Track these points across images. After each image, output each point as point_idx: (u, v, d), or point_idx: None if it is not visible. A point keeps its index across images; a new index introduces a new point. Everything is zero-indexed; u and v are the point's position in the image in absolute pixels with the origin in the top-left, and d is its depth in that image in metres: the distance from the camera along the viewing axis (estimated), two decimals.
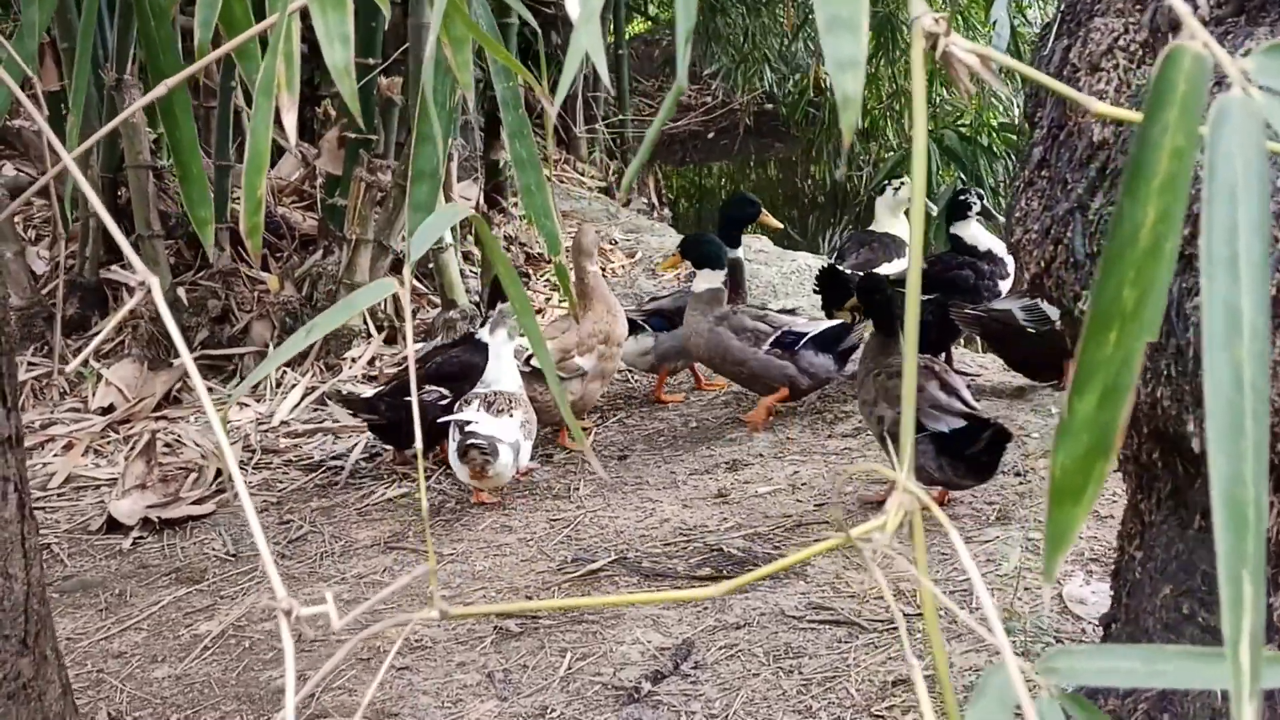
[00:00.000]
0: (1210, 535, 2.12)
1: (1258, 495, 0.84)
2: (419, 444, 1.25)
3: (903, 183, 6.38)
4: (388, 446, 5.45)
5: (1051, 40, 2.08)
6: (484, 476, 4.85)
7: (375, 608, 4.35)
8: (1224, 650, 1.08)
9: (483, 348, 5.12)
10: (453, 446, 4.86)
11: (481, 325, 5.30)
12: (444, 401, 5.12)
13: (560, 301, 6.67)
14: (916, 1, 1.10)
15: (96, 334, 6.37)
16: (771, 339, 5.39)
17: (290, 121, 1.44)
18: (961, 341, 5.78)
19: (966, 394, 4.51)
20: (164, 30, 2.34)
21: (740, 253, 5.85)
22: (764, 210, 5.95)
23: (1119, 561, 2.41)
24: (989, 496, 4.61)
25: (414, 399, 1.19)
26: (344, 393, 5.68)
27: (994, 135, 8.45)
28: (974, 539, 4.34)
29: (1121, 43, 1.86)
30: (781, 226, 6.54)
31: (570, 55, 1.02)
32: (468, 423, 4.83)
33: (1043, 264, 1.97)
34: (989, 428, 4.32)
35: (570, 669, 3.90)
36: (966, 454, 4.36)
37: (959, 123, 9.05)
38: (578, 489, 5.13)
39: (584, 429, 5.60)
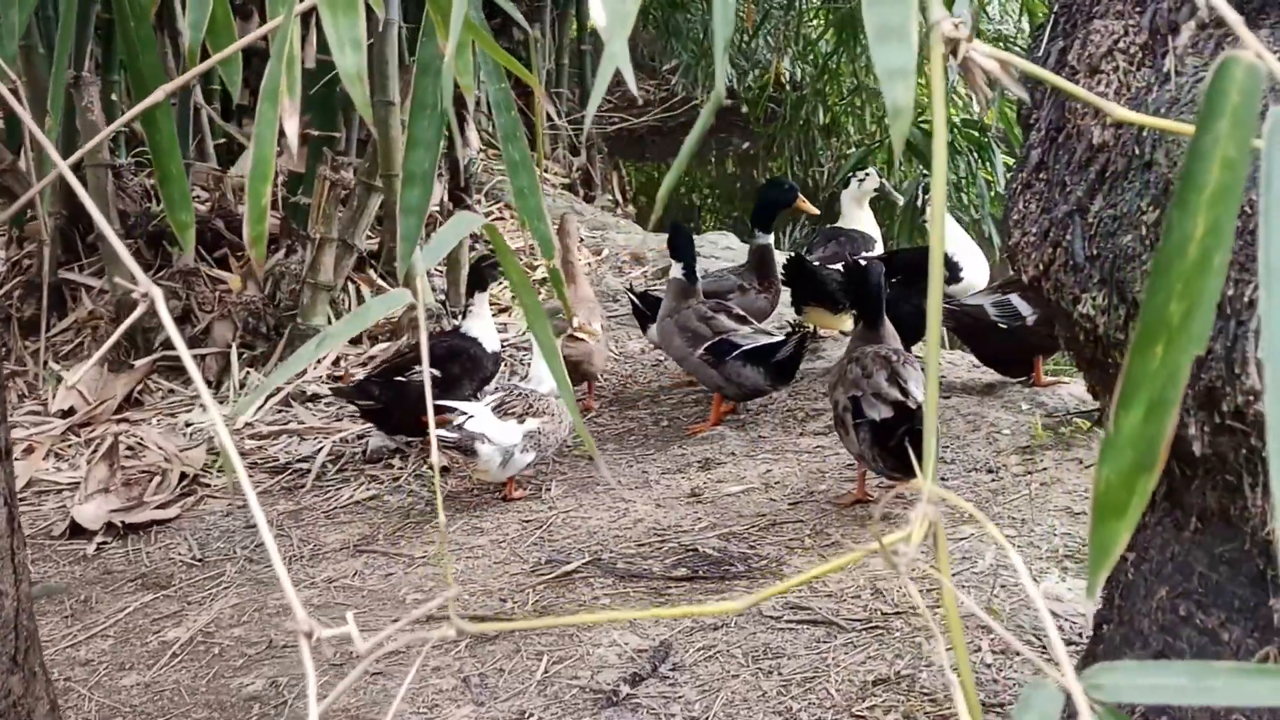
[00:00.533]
0: (1207, 538, 2.11)
1: None
2: (434, 457, 1.22)
3: (867, 174, 6.36)
4: (367, 438, 5.44)
5: (1046, 41, 2.07)
6: (477, 470, 4.90)
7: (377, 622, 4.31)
8: (1266, 667, 1.06)
9: (471, 338, 5.32)
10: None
11: (462, 316, 5.45)
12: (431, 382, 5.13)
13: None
14: (936, 6, 1.08)
15: (99, 335, 6.28)
16: (706, 344, 5.37)
17: (292, 127, 1.41)
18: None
19: (912, 385, 4.46)
20: (144, 30, 2.29)
21: (771, 239, 5.78)
22: (800, 196, 5.90)
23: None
24: (962, 494, 4.61)
25: (429, 413, 1.16)
26: (331, 386, 5.76)
27: (957, 131, 8.46)
28: (949, 537, 4.34)
29: (1121, 45, 1.85)
30: (818, 212, 6.55)
31: (603, 67, 0.99)
32: (463, 415, 4.84)
33: (1041, 267, 1.96)
34: (907, 422, 4.30)
35: (547, 673, 3.87)
36: (888, 445, 4.38)
37: (921, 120, 9.06)
38: (549, 489, 5.10)
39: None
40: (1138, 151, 1.83)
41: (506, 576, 4.47)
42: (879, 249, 5.87)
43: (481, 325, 5.38)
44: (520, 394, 4.92)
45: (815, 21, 10.47)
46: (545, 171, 8.70)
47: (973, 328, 5.20)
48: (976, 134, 8.45)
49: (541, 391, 4.96)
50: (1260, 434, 1.76)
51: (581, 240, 7.34)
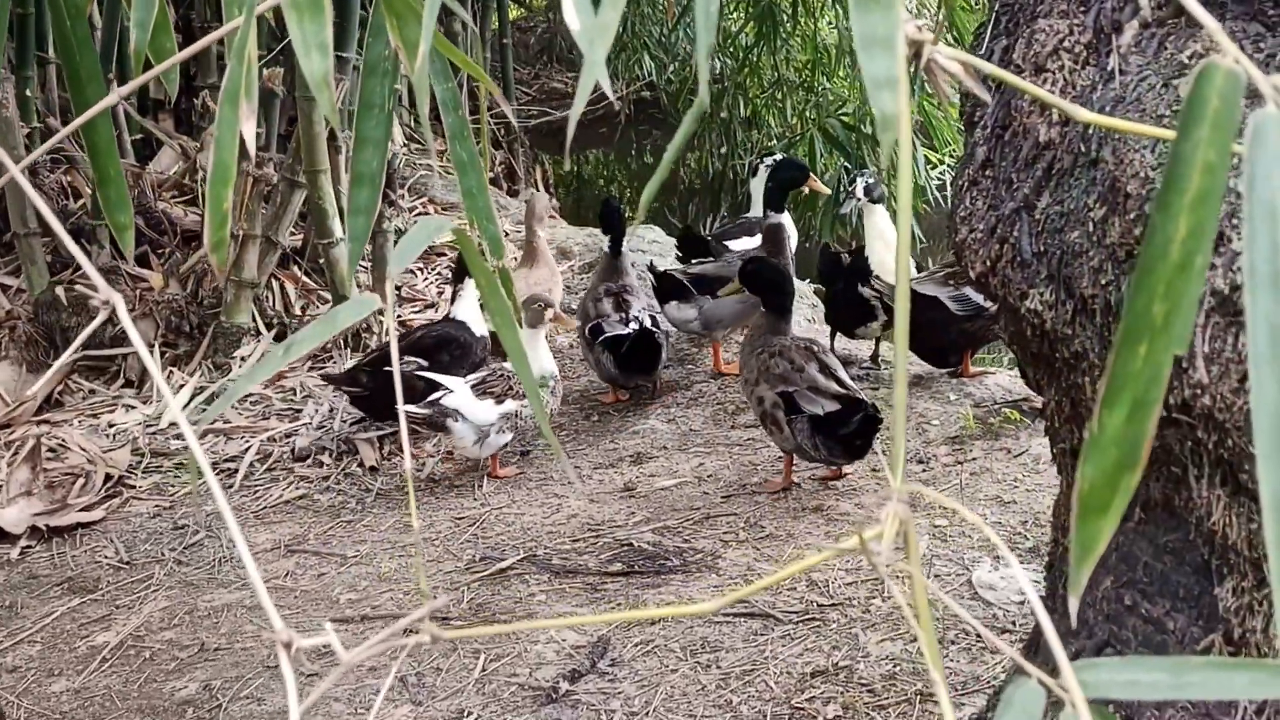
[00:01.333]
0: (1150, 528, 2.15)
1: None
2: (407, 459, 1.21)
3: (775, 160, 6.35)
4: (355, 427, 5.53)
5: (988, 40, 2.09)
6: (452, 446, 5.03)
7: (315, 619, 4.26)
8: (1243, 660, 1.08)
9: (460, 324, 5.48)
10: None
11: (451, 301, 5.66)
12: (420, 371, 5.30)
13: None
14: (899, 8, 1.09)
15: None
16: (588, 325, 5.55)
17: (250, 130, 1.39)
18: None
19: (844, 374, 4.60)
20: (80, 29, 2.25)
21: (785, 218, 5.74)
22: (812, 175, 5.89)
23: (1053, 553, 2.43)
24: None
25: (398, 398, 1.15)
26: (322, 374, 5.84)
27: (875, 123, 8.50)
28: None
29: (1066, 44, 1.87)
30: (829, 192, 6.53)
31: (584, 76, 0.99)
32: (442, 390, 4.92)
33: (988, 263, 1.98)
34: (860, 410, 4.40)
35: (485, 670, 3.86)
36: (839, 435, 4.45)
37: (840, 111, 9.13)
38: (481, 485, 5.08)
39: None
40: (1083, 149, 1.86)
41: (440, 574, 4.45)
42: (793, 239, 5.87)
43: (471, 309, 5.52)
44: (501, 374, 4.99)
45: (735, 15, 10.49)
46: None
47: (919, 319, 5.19)
48: None
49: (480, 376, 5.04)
50: (1206, 426, 1.79)
51: (505, 235, 7.30)
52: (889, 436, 4.99)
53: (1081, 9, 1.89)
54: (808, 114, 9.59)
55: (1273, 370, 0.87)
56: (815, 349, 4.68)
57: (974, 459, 4.70)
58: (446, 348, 5.42)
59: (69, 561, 4.80)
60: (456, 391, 4.91)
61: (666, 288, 5.73)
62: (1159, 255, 0.94)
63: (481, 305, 6.52)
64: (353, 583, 4.47)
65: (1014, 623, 3.79)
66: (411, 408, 4.80)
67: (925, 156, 8.67)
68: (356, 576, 4.51)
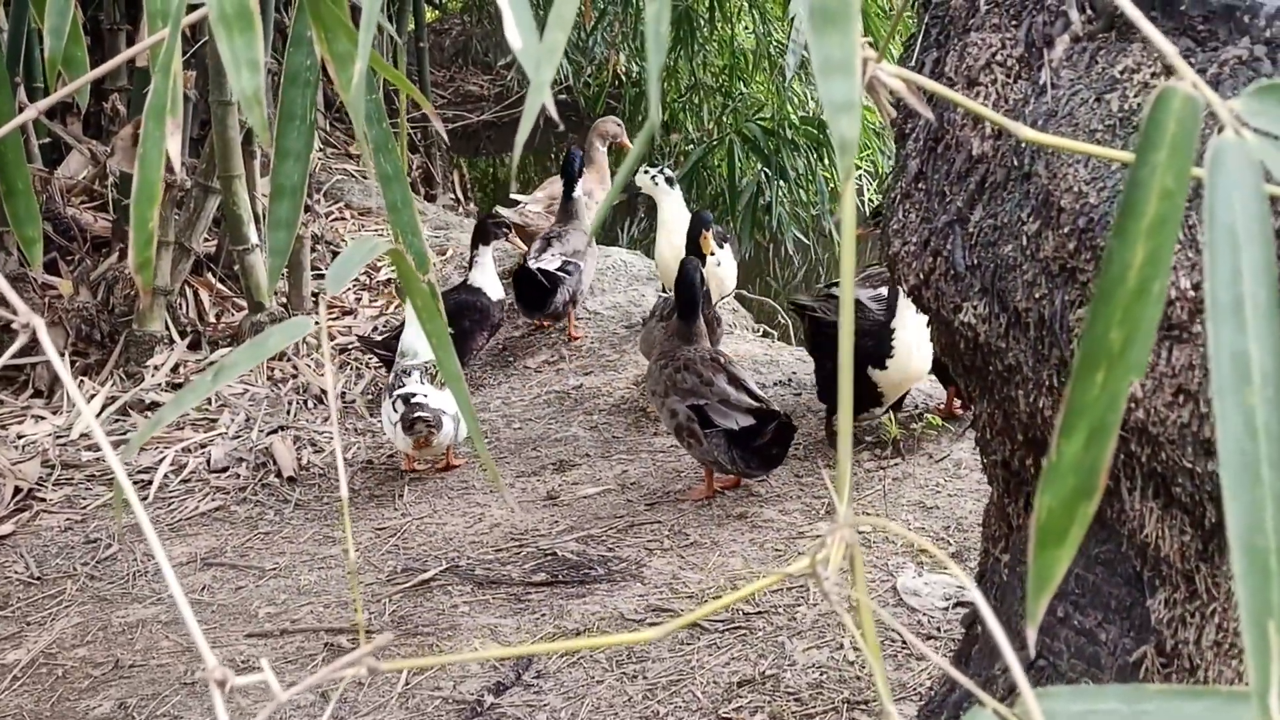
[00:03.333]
0: (1082, 540, 2.15)
1: None
2: (341, 472, 1.18)
3: (661, 172, 6.28)
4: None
5: (918, 51, 2.09)
6: (427, 446, 4.99)
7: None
8: (1197, 688, 1.08)
9: (476, 289, 5.69)
10: (394, 417, 4.93)
11: (468, 268, 5.85)
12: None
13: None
14: None
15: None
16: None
17: (175, 146, 1.35)
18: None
19: (753, 385, 4.63)
20: None
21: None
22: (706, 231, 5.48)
23: (983, 564, 2.44)
24: (816, 491, 4.67)
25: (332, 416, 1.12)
26: (361, 336, 5.95)
27: (795, 129, 8.56)
28: (805, 533, 4.38)
29: (999, 58, 1.87)
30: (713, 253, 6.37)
31: (530, 97, 0.96)
32: (412, 395, 4.91)
33: (922, 275, 1.98)
34: (773, 421, 4.42)
35: (408, 684, 3.81)
36: (754, 446, 4.46)
37: (758, 116, 9.15)
38: (402, 495, 5.02)
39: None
40: (1016, 163, 1.86)
41: (362, 587, 4.39)
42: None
43: (486, 276, 5.73)
44: (431, 367, 5.01)
45: None
46: None
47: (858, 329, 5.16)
48: (815, 131, 8.56)
49: (415, 363, 5.06)
50: (1140, 440, 1.80)
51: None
52: (798, 444, 5.00)
53: (1013, 23, 1.89)
54: (725, 118, 9.60)
55: (1236, 401, 0.86)
56: (721, 359, 4.68)
57: (896, 464, 4.72)
58: (466, 314, 5.57)
59: None
60: (426, 393, 4.94)
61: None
62: (1116, 281, 0.93)
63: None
64: (271, 596, 4.40)
65: (939, 629, 3.80)
66: (422, 412, 4.87)
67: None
68: (275, 589, 4.44)
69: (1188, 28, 1.77)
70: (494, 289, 5.76)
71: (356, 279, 6.94)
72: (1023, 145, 1.83)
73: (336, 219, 7.43)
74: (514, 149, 0.98)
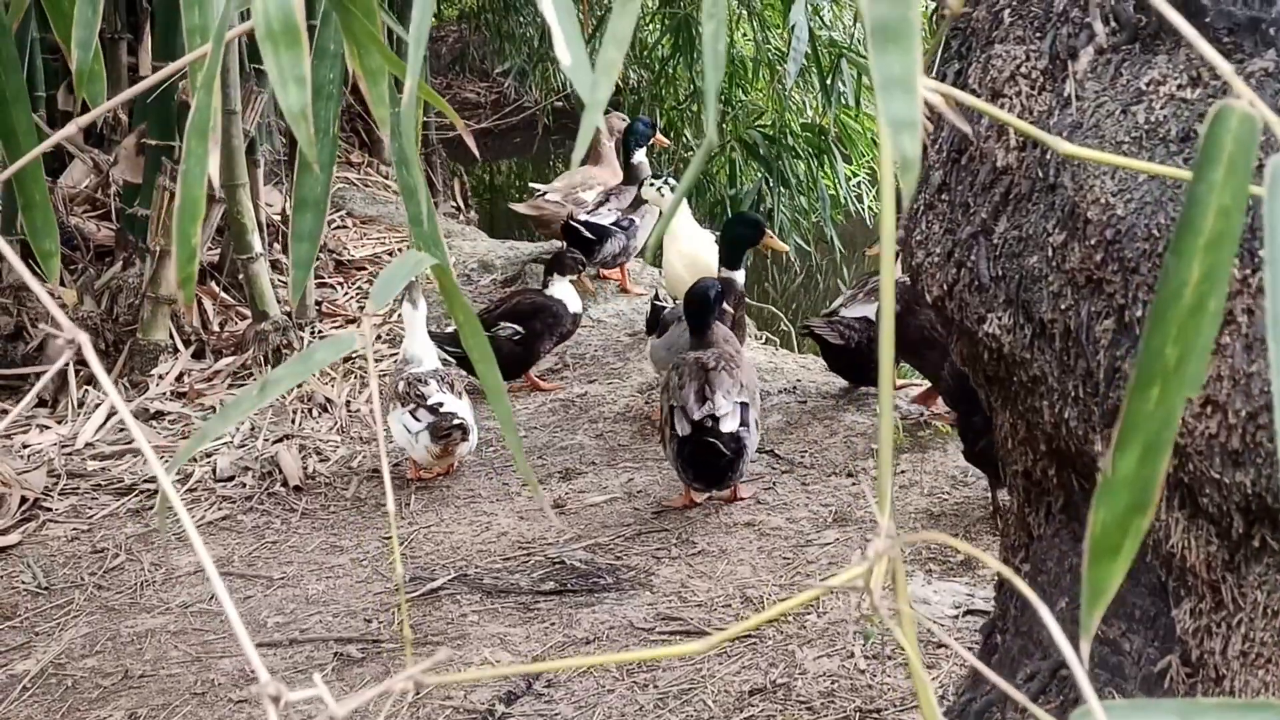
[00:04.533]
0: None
1: None
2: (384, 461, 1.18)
3: (665, 183, 6.31)
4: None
5: (938, 63, 2.10)
6: (448, 455, 5.03)
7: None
8: (1254, 702, 1.08)
9: (554, 298, 5.79)
10: (415, 425, 4.92)
11: (544, 286, 5.92)
12: (517, 337, 5.66)
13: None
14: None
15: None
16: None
17: (214, 162, 1.36)
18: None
19: (719, 396, 4.50)
20: (7, 49, 2.18)
21: (739, 275, 5.30)
22: (768, 232, 5.44)
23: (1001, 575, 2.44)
24: (824, 499, 4.67)
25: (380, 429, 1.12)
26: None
27: (795, 135, 8.58)
28: (813, 541, 4.39)
29: (1024, 70, 1.88)
30: (787, 249, 6.53)
31: (585, 118, 0.96)
32: (441, 404, 4.92)
33: (945, 287, 1.99)
34: (695, 439, 4.42)
35: (419, 694, 3.81)
36: (691, 460, 4.50)
37: (758, 123, 9.16)
38: (408, 504, 5.02)
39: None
40: (1041, 174, 1.87)
41: (370, 596, 4.39)
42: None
43: (563, 290, 5.80)
44: (442, 375, 5.00)
45: (651, 26, 10.50)
46: (387, 178, 8.58)
47: (860, 342, 5.17)
48: (815, 137, 8.58)
49: (423, 370, 5.07)
50: (1174, 454, 1.80)
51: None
52: (851, 455, 5.01)
53: (1037, 35, 1.90)
54: (725, 125, 9.61)
55: None
56: (710, 364, 4.60)
57: (903, 472, 4.72)
58: (540, 315, 5.71)
59: None
60: (449, 401, 4.95)
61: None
62: (1173, 298, 0.93)
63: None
64: (280, 605, 4.40)
65: (950, 637, 3.81)
66: (457, 423, 4.89)
67: (843, 170, 8.74)
68: (283, 599, 4.43)
69: (1212, 40, 1.78)
70: (572, 301, 5.82)
71: (359, 288, 6.94)
72: (1048, 156, 1.83)
73: (339, 227, 7.44)
74: (572, 160, 0.98)
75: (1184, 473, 1.81)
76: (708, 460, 4.48)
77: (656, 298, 5.73)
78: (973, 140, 1.90)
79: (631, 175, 6.75)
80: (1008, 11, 1.96)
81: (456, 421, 4.90)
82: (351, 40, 1.58)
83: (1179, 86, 1.75)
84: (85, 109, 5.99)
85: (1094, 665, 2.08)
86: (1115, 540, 0.99)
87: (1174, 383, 0.95)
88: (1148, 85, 1.77)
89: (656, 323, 5.53)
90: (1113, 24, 1.85)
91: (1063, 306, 1.83)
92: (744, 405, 4.54)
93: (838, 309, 5.22)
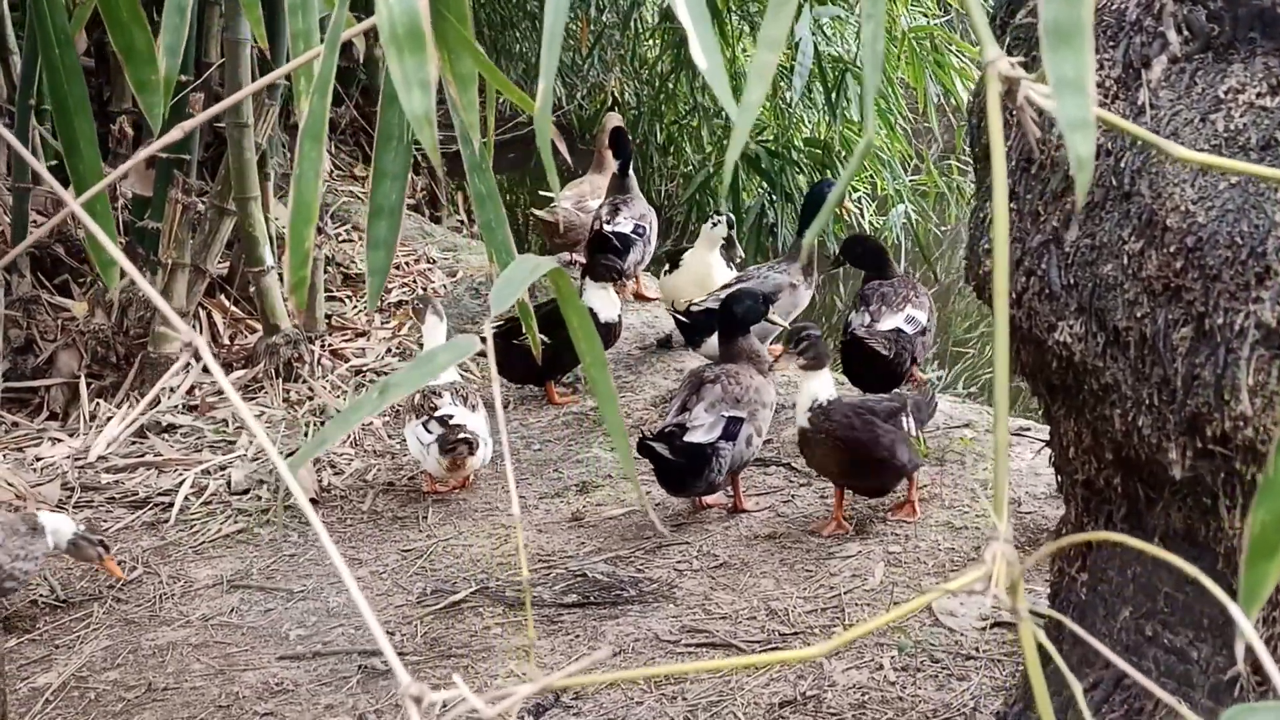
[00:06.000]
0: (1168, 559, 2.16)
1: None
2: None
3: (721, 218, 6.34)
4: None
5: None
6: (459, 469, 5.00)
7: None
8: None
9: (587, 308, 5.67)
10: (427, 438, 4.93)
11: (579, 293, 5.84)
12: (544, 345, 5.57)
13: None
14: (991, 45, 1.09)
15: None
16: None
17: (322, 165, 1.35)
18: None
19: (701, 409, 4.59)
20: (69, 58, 2.18)
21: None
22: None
23: (1057, 583, 2.44)
24: (844, 510, 4.67)
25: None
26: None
27: (799, 150, 8.60)
28: (835, 554, 4.39)
29: (1096, 78, 1.88)
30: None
31: (731, 147, 0.97)
32: (450, 416, 4.92)
33: (1013, 295, 1.99)
34: (651, 443, 4.50)
35: (445, 706, 3.79)
36: (656, 463, 4.60)
37: (760, 138, 9.18)
38: (425, 517, 5.00)
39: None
40: (1115, 183, 1.87)
41: (391, 609, 4.37)
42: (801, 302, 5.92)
43: (598, 299, 5.70)
44: (458, 388, 5.01)
45: (651, 41, 10.52)
46: None
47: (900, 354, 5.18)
48: (819, 151, 8.60)
49: (440, 383, 5.05)
50: (1246, 458, 1.81)
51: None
52: None
53: (1110, 44, 1.91)
54: (726, 142, 9.62)
55: None
56: (709, 377, 4.70)
57: (922, 485, 4.72)
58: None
59: (1, 601, 4.65)
60: (460, 414, 4.95)
61: (697, 324, 5.65)
62: None
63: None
64: (301, 618, 4.38)
65: (977, 648, 3.81)
66: (463, 434, 4.89)
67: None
68: (305, 611, 4.42)
69: None
70: (604, 310, 5.73)
71: (365, 300, 6.92)
72: (1123, 165, 1.84)
73: (345, 240, 7.42)
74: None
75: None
76: (664, 466, 4.56)
77: (689, 307, 5.74)
78: (1041, 149, 1.91)
79: (626, 185, 6.77)
80: None
81: (462, 435, 4.88)
82: (443, 44, 1.58)
83: (1258, 95, 1.76)
84: (101, 121, 5.91)
85: (1161, 673, 2.08)
86: (1273, 541, 0.99)
87: None
88: (1226, 94, 1.78)
89: (695, 331, 5.57)
90: (1185, 33, 1.86)
91: (1138, 314, 1.84)
92: (734, 419, 4.56)
93: (868, 323, 5.20)
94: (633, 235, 6.45)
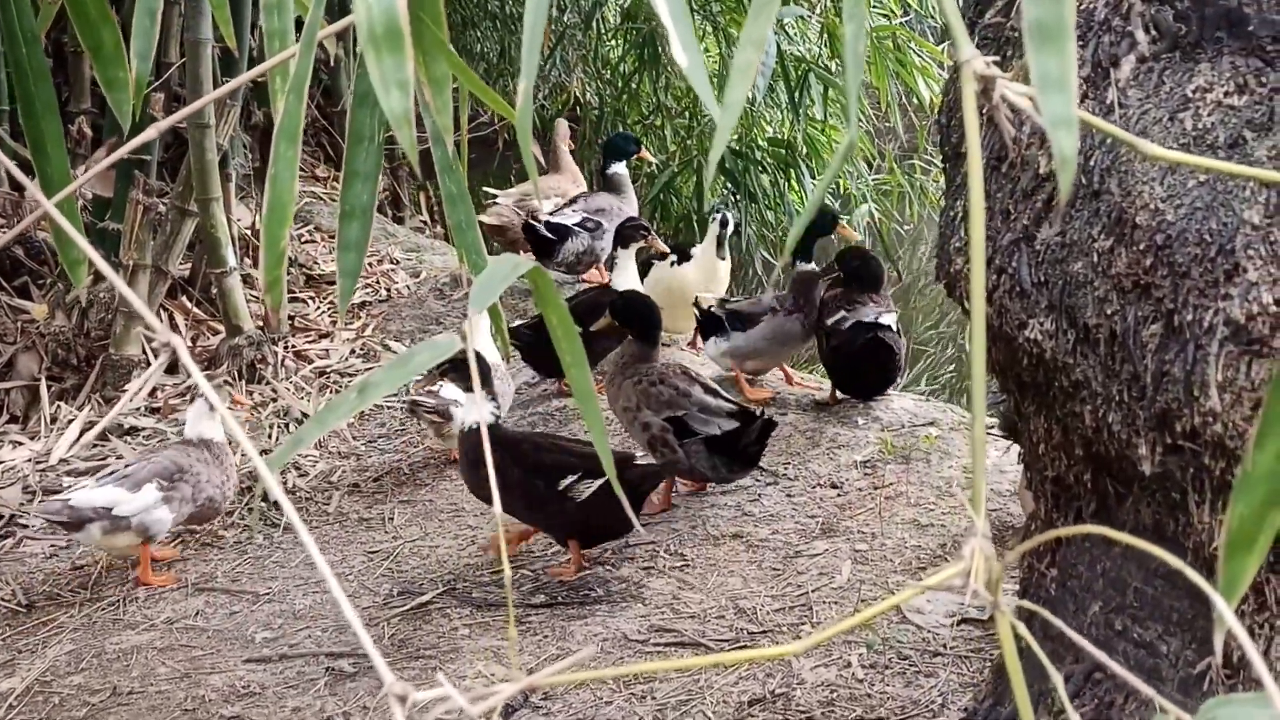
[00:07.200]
0: (1140, 553, 2.18)
1: None
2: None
3: (718, 216, 6.35)
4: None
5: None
6: (441, 437, 5.14)
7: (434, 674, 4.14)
8: None
9: (613, 290, 5.71)
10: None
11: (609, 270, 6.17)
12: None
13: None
14: (966, 45, 1.09)
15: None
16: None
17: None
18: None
19: (720, 389, 4.77)
20: (36, 58, 2.16)
21: (813, 266, 5.61)
22: (842, 223, 5.82)
23: (1027, 579, 2.46)
24: (810, 510, 4.68)
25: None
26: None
27: (763, 150, 8.61)
28: (803, 553, 4.40)
29: None
30: (859, 238, 6.59)
31: (714, 148, 0.97)
32: (438, 389, 5.06)
33: (985, 293, 2.00)
34: (757, 420, 4.56)
35: (412, 707, 3.77)
36: (739, 447, 4.59)
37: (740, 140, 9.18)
38: (391, 518, 4.99)
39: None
40: (1084, 181, 1.89)
41: (359, 610, 4.35)
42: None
43: (627, 279, 5.78)
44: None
45: (615, 42, 10.51)
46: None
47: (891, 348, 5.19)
48: (783, 152, 8.62)
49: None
50: (1214, 453, 1.82)
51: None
52: (835, 466, 5.01)
53: (1079, 44, 1.92)
54: (689, 141, 9.63)
55: None
56: (690, 371, 4.79)
57: (889, 483, 4.74)
58: (597, 313, 5.44)
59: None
60: (445, 386, 5.05)
61: (711, 321, 5.64)
62: None
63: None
64: (267, 621, 4.36)
65: (945, 645, 3.83)
66: (422, 399, 5.05)
67: (810, 184, 8.77)
68: (270, 614, 4.40)
69: (1256, 48, 1.80)
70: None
71: (330, 302, 6.90)
72: (1092, 163, 1.85)
73: (307, 241, 7.39)
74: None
75: (1230, 475, 1.83)
76: (760, 441, 4.63)
77: (713, 304, 5.73)
78: (1012, 147, 1.92)
79: (612, 184, 6.76)
80: None
81: (429, 406, 5.01)
82: (418, 46, 1.58)
83: (1225, 94, 1.77)
84: (62, 114, 5.82)
85: (1130, 667, 2.10)
86: (1251, 533, 1.00)
87: None
88: (1194, 92, 1.79)
89: (720, 325, 5.59)
90: (1153, 32, 1.88)
91: (1108, 311, 1.85)
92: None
93: (854, 318, 5.20)
94: (575, 227, 6.43)
